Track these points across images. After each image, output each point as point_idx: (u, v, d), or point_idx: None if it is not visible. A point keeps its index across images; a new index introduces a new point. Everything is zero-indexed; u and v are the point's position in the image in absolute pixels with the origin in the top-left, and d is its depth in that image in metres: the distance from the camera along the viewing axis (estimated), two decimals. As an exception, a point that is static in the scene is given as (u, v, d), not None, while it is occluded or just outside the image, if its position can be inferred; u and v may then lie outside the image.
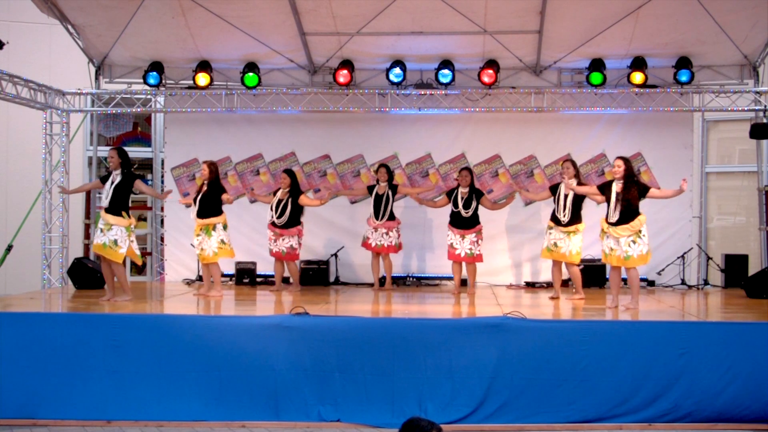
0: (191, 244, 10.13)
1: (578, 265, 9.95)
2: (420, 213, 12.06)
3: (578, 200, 9.77)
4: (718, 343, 7.46)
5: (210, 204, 9.87)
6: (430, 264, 12.15)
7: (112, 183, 9.27)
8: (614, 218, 8.81)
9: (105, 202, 9.26)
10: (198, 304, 9.49)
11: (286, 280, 11.32)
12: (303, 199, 10.82)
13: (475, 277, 10.92)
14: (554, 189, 10.03)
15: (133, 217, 9.44)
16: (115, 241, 9.17)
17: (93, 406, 7.56)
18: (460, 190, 10.71)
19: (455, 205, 10.67)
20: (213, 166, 10.09)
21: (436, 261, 11.92)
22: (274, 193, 10.92)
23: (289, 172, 10.92)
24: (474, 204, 10.65)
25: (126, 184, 9.31)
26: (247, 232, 11.92)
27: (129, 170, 9.41)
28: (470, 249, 10.59)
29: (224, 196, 9.91)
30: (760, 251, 11.89)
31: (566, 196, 9.75)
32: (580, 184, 9.80)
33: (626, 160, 8.96)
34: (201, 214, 9.86)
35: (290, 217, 10.72)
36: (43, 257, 11.71)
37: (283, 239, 10.72)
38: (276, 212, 10.72)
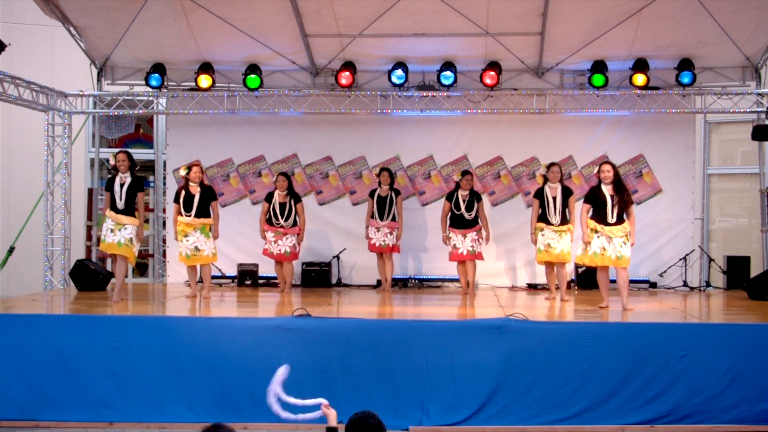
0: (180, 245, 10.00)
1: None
2: (419, 215, 12.08)
3: (566, 202, 9.93)
4: (720, 344, 7.47)
5: (206, 205, 9.88)
6: (430, 266, 12.12)
7: (122, 185, 9.36)
8: (613, 219, 8.87)
9: (120, 203, 9.33)
10: (198, 306, 9.50)
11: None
12: (300, 208, 10.94)
13: (475, 276, 10.93)
14: (539, 193, 10.06)
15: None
16: (131, 239, 9.35)
17: (95, 408, 7.58)
18: (461, 192, 10.73)
19: (457, 207, 10.70)
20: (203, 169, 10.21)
21: (436, 263, 11.89)
22: (267, 199, 10.95)
23: (286, 175, 10.98)
24: (475, 205, 10.72)
25: (135, 187, 9.45)
26: (248, 234, 11.88)
27: (135, 173, 9.58)
28: (472, 247, 10.64)
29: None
30: (762, 253, 11.87)
31: (554, 198, 9.86)
32: (564, 187, 9.98)
33: (613, 166, 9.13)
34: (199, 214, 9.84)
35: (293, 218, 10.85)
36: (45, 259, 11.71)
37: (286, 238, 10.77)
38: (280, 214, 10.77)
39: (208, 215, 9.87)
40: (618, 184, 8.99)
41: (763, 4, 10.04)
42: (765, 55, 11.26)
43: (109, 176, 9.77)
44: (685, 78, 11.07)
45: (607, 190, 8.96)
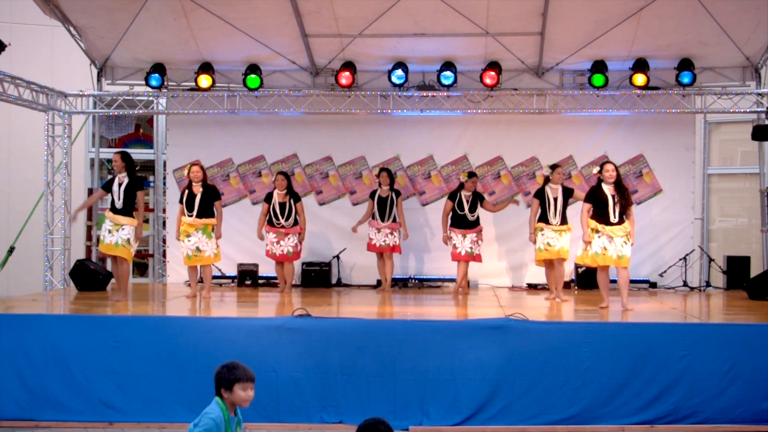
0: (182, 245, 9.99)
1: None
2: (420, 215, 12.08)
3: (566, 203, 9.99)
4: (720, 344, 7.47)
5: (208, 205, 9.87)
6: (430, 266, 12.13)
7: (120, 185, 9.37)
8: (615, 219, 8.88)
9: (118, 203, 9.34)
10: (198, 306, 9.50)
11: None
12: (300, 208, 10.96)
13: (466, 277, 10.97)
14: (540, 194, 10.08)
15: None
16: (128, 240, 9.35)
17: (95, 408, 7.57)
18: (464, 193, 10.76)
19: (460, 208, 10.73)
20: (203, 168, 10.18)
21: (437, 263, 11.92)
22: (267, 199, 10.96)
23: (285, 174, 10.98)
24: (478, 206, 10.80)
25: (134, 186, 9.44)
26: (248, 234, 11.86)
27: (135, 173, 9.57)
28: (471, 248, 10.69)
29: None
30: (762, 253, 11.87)
31: (555, 198, 9.91)
32: (564, 188, 10.02)
33: (615, 165, 9.15)
34: (201, 214, 9.83)
35: (293, 217, 10.88)
36: (45, 259, 11.71)
37: (288, 238, 10.79)
38: (281, 214, 10.78)
39: (211, 215, 9.85)
40: (619, 183, 9.01)
41: (763, 4, 10.04)
42: (765, 55, 11.25)
43: (110, 177, 9.78)
44: (685, 78, 11.07)
45: (608, 189, 8.96)
